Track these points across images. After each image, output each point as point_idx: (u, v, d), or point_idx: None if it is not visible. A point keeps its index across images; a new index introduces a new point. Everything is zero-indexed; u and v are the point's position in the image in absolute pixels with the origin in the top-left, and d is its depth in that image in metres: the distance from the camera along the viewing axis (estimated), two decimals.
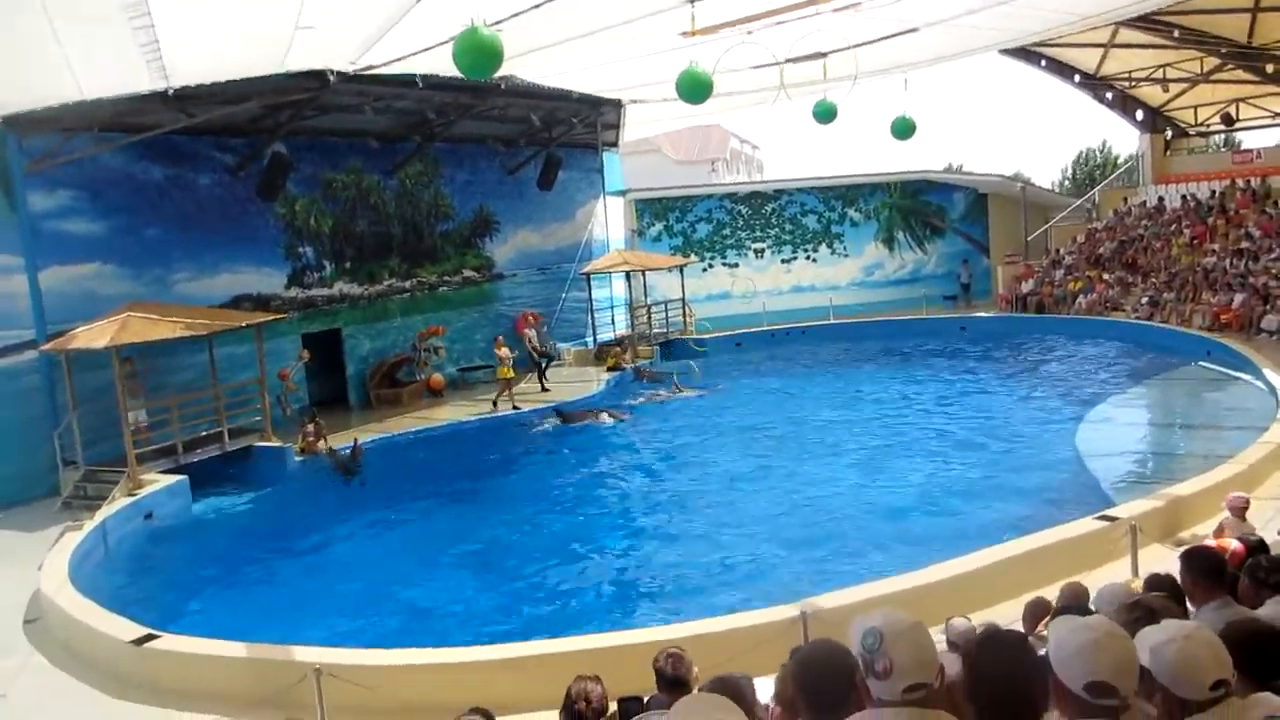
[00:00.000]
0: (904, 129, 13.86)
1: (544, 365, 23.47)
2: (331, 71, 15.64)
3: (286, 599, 11.44)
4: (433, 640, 9.25)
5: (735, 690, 3.36)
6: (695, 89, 10.04)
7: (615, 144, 29.47)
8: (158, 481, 15.33)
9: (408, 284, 24.58)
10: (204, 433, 17.06)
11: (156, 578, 12.78)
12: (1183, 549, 4.87)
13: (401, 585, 11.69)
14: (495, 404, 21.16)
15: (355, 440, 17.89)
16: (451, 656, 8.35)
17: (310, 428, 17.85)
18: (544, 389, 22.74)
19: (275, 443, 17.53)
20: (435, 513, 14.86)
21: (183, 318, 16.42)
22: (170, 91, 13.90)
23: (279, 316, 19.58)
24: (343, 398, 22.90)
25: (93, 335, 15.02)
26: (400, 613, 10.83)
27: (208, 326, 16.64)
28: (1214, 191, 30.18)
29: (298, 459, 17.42)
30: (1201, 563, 4.41)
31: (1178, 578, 4.75)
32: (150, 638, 8.99)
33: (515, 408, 20.96)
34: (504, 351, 21.30)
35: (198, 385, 17.56)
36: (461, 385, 24.50)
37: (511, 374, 21.36)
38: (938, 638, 5.26)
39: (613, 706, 4.65)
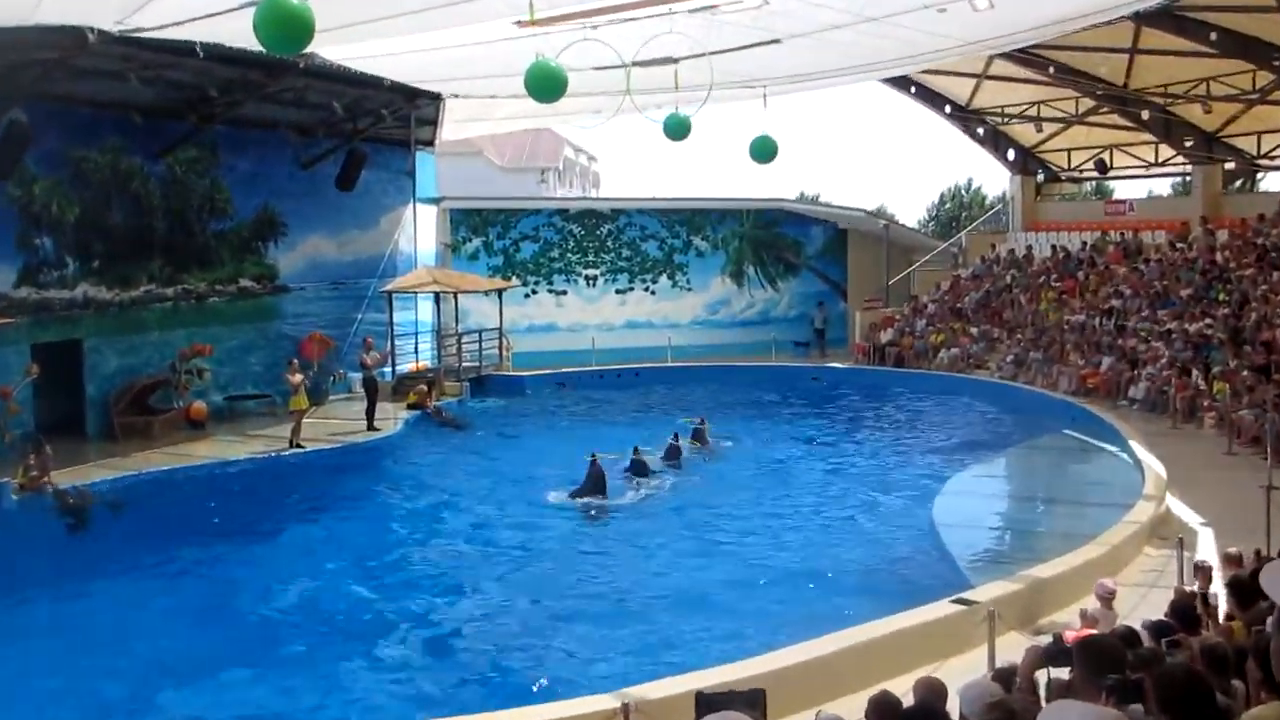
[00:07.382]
0: (764, 150, 13.70)
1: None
2: (92, 30, 14.89)
3: None
4: None
5: None
6: (547, 85, 9.59)
7: (431, 143, 29.15)
8: None
9: (170, 291, 23.54)
10: None
11: None
12: (1079, 638, 5.01)
13: (130, 659, 11.09)
14: (292, 442, 20.64)
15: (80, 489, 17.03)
16: None
17: (34, 460, 16.79)
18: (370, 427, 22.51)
19: None
20: (179, 572, 14.21)
21: None
22: None
23: (3, 321, 18.46)
24: (79, 424, 21.62)
25: None
26: (127, 692, 10.27)
27: None
28: (1084, 243, 32.09)
29: (15, 497, 16.36)
30: (1098, 654, 4.46)
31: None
32: None
33: (299, 446, 20.55)
34: (297, 378, 20.81)
35: None
36: (228, 416, 23.53)
37: (306, 404, 20.92)
38: None
39: None
